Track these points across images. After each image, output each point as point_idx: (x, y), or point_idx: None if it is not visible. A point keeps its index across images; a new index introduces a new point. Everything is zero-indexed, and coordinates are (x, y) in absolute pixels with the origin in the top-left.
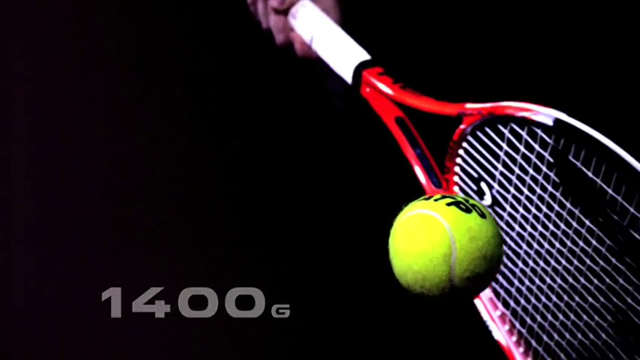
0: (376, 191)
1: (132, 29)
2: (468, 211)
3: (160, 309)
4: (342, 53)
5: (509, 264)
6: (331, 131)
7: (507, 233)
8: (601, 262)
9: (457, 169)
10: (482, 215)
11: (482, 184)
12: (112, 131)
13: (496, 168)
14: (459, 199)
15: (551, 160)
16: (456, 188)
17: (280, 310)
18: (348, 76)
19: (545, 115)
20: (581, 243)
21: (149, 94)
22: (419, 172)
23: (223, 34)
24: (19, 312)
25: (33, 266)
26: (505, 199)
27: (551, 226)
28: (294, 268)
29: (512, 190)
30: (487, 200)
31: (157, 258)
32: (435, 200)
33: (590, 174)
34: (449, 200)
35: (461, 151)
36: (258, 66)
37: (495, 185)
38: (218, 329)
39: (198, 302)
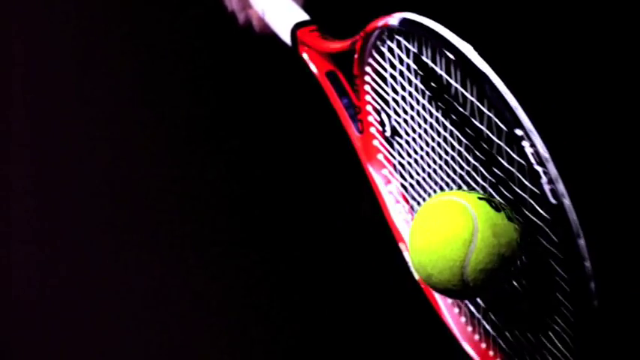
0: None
1: (132, 29)
2: (497, 209)
3: (161, 308)
4: (282, 18)
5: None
6: (327, 131)
7: (408, 161)
8: (465, 166)
9: (368, 107)
10: (510, 219)
11: (383, 116)
12: (112, 131)
13: (388, 93)
14: (492, 198)
15: (415, 67)
16: (372, 130)
17: (282, 310)
18: (288, 39)
19: (395, 18)
20: (448, 149)
21: (149, 94)
22: (344, 121)
23: (223, 34)
24: (19, 312)
25: (33, 266)
26: (399, 123)
27: (429, 140)
28: (294, 268)
29: (401, 113)
30: (387, 131)
31: (157, 258)
32: (468, 192)
33: (439, 71)
34: (481, 195)
35: (367, 87)
36: (258, 66)
37: (391, 112)
38: (218, 329)
39: (198, 302)
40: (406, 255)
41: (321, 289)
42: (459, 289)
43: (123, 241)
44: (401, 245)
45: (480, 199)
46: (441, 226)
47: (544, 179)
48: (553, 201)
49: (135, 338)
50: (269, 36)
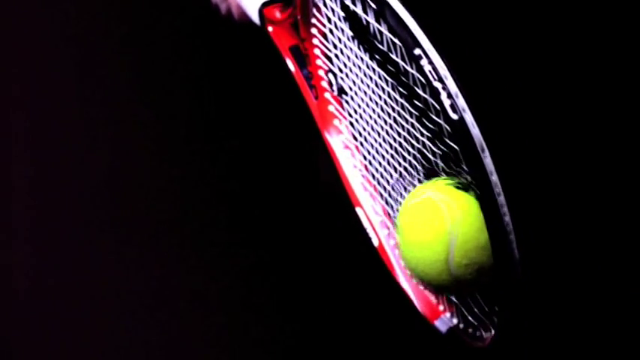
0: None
1: (132, 29)
2: (466, 191)
3: (161, 308)
4: (253, 1)
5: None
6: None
7: (357, 120)
8: (395, 107)
9: (320, 72)
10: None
11: (330, 76)
12: (112, 131)
13: (330, 50)
14: (468, 185)
15: (343, 14)
16: (327, 95)
17: (281, 310)
18: (257, 20)
19: None
20: (381, 93)
21: (149, 94)
22: (304, 92)
23: (223, 34)
24: (19, 312)
25: (33, 266)
26: (342, 79)
27: (367, 90)
28: (295, 268)
29: (343, 67)
30: (335, 91)
31: (157, 258)
32: (445, 184)
33: (360, 12)
34: (457, 183)
35: (316, 50)
36: (258, 66)
37: (335, 70)
38: (218, 329)
39: (198, 302)
40: (364, 219)
41: (322, 289)
42: (450, 285)
43: (123, 240)
44: (357, 209)
45: (458, 187)
46: (420, 230)
47: (443, 94)
48: (453, 116)
49: (135, 338)
50: (247, 23)
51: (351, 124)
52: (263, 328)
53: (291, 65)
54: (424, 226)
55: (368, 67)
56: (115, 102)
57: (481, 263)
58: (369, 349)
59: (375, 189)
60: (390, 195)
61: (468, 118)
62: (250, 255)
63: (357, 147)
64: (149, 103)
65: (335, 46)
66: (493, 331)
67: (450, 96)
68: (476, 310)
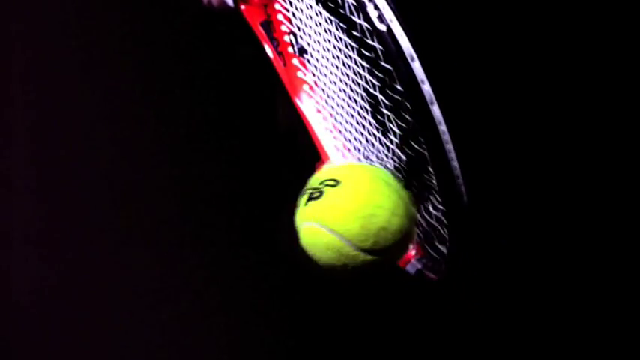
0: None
1: (132, 29)
2: (320, 196)
3: (161, 309)
4: None
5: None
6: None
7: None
8: (352, 65)
9: (285, 37)
10: (335, 184)
11: (291, 37)
12: (112, 131)
13: (287, 10)
14: (310, 189)
15: None
16: (294, 61)
17: (281, 310)
18: (231, 2)
19: None
20: (342, 47)
21: (149, 94)
22: (273, 61)
23: (223, 33)
24: (19, 312)
25: (33, 266)
26: (301, 38)
27: (327, 45)
28: (294, 268)
29: (302, 26)
30: (297, 52)
31: (157, 258)
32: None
33: None
34: (305, 198)
35: (279, 16)
36: (258, 66)
37: (295, 30)
38: (218, 329)
39: (198, 302)
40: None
41: (322, 289)
42: (383, 260)
43: (123, 240)
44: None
45: (306, 203)
46: (317, 254)
47: (369, 7)
48: (381, 27)
49: (135, 338)
50: (226, 10)
51: (315, 83)
52: (263, 328)
53: (268, 51)
54: (319, 250)
55: (317, 14)
56: (115, 102)
57: (392, 237)
58: (369, 347)
59: (345, 146)
60: (359, 152)
61: (396, 27)
62: (250, 255)
63: (323, 107)
64: (149, 102)
65: (291, 4)
66: (446, 261)
67: (376, 7)
68: (437, 243)
